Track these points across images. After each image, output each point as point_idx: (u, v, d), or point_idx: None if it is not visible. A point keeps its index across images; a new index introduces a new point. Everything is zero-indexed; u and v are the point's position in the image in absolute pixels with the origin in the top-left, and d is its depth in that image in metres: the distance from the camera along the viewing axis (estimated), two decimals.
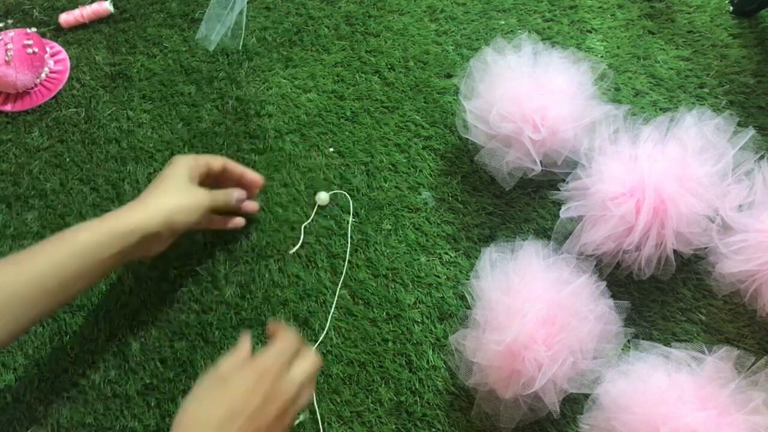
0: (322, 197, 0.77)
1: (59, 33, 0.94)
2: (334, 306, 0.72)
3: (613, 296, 0.62)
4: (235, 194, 0.72)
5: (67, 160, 0.84)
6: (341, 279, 0.73)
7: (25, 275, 0.57)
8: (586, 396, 0.61)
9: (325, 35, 0.89)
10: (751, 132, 0.64)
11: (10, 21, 0.95)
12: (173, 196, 0.65)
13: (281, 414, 0.54)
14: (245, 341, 0.58)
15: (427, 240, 0.74)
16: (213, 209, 0.69)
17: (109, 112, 0.87)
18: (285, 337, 0.58)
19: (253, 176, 0.74)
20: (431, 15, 0.89)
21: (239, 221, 0.75)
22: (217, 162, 0.71)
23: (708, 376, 0.55)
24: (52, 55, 0.91)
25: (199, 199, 0.66)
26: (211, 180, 0.71)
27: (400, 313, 0.71)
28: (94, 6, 0.93)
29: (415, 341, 0.69)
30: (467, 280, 0.69)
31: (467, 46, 0.86)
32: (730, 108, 0.77)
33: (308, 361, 0.57)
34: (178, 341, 0.72)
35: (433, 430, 0.66)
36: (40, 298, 0.57)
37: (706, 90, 0.79)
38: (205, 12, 0.91)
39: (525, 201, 0.75)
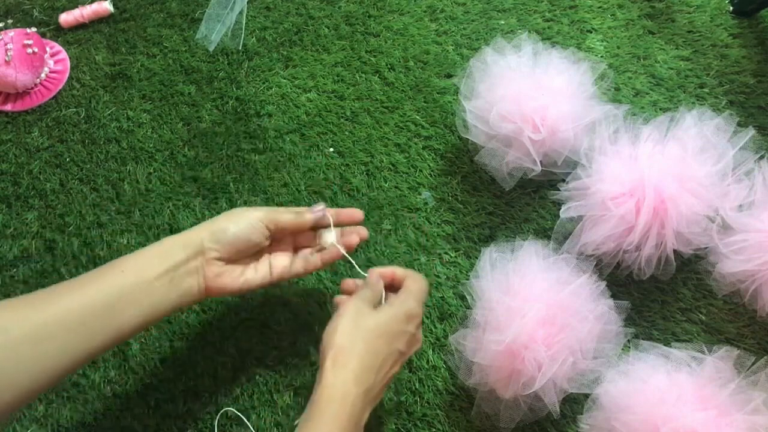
0: (328, 239, 0.63)
1: (59, 33, 0.94)
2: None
3: (613, 296, 0.62)
4: (308, 213, 0.61)
5: (67, 160, 0.84)
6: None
7: (58, 317, 0.49)
8: (586, 396, 0.61)
9: (325, 35, 0.89)
10: (751, 132, 0.64)
11: (10, 21, 0.95)
12: (225, 215, 0.58)
13: (406, 359, 0.56)
14: (379, 282, 0.58)
15: (427, 240, 0.74)
16: (275, 227, 0.59)
17: (109, 112, 0.87)
18: (419, 279, 0.59)
19: (350, 211, 0.64)
20: (431, 15, 0.89)
21: (317, 260, 0.63)
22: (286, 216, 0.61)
23: (708, 376, 0.55)
24: (52, 55, 0.91)
25: (252, 214, 0.58)
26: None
27: None
28: (94, 6, 0.93)
29: None
30: (467, 280, 0.69)
31: (467, 46, 0.86)
32: (730, 108, 0.77)
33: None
34: (178, 341, 0.71)
35: (433, 430, 0.66)
36: (83, 335, 0.50)
37: (706, 90, 0.79)
38: (205, 12, 0.91)
39: (525, 201, 0.75)
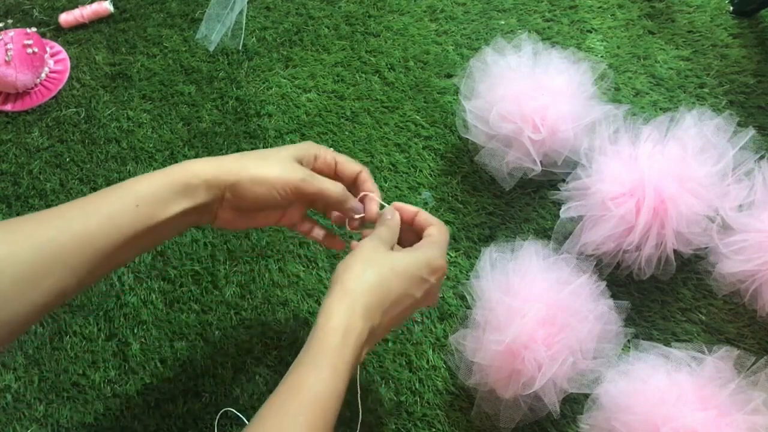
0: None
1: (59, 33, 0.94)
2: None
3: (613, 296, 0.62)
4: (351, 202, 0.55)
5: (67, 160, 0.84)
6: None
7: (72, 231, 0.46)
8: (586, 396, 0.61)
9: (325, 35, 0.89)
10: (751, 132, 0.64)
11: (10, 21, 0.95)
12: (258, 160, 0.52)
13: (416, 308, 0.52)
14: (395, 215, 0.54)
15: None
16: (306, 196, 0.53)
17: (109, 112, 0.87)
18: (444, 231, 0.54)
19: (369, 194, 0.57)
20: (431, 15, 0.89)
21: (319, 234, 0.60)
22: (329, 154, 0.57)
23: (708, 376, 0.55)
24: (52, 55, 0.91)
25: (289, 172, 0.52)
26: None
27: None
28: (94, 6, 0.93)
29: (415, 341, 0.69)
30: (467, 280, 0.69)
31: (467, 46, 0.86)
32: (730, 108, 0.77)
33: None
34: (178, 341, 0.72)
35: (433, 430, 0.66)
36: (88, 259, 0.46)
37: (706, 90, 0.79)
38: (205, 12, 0.91)
39: (525, 201, 0.75)
